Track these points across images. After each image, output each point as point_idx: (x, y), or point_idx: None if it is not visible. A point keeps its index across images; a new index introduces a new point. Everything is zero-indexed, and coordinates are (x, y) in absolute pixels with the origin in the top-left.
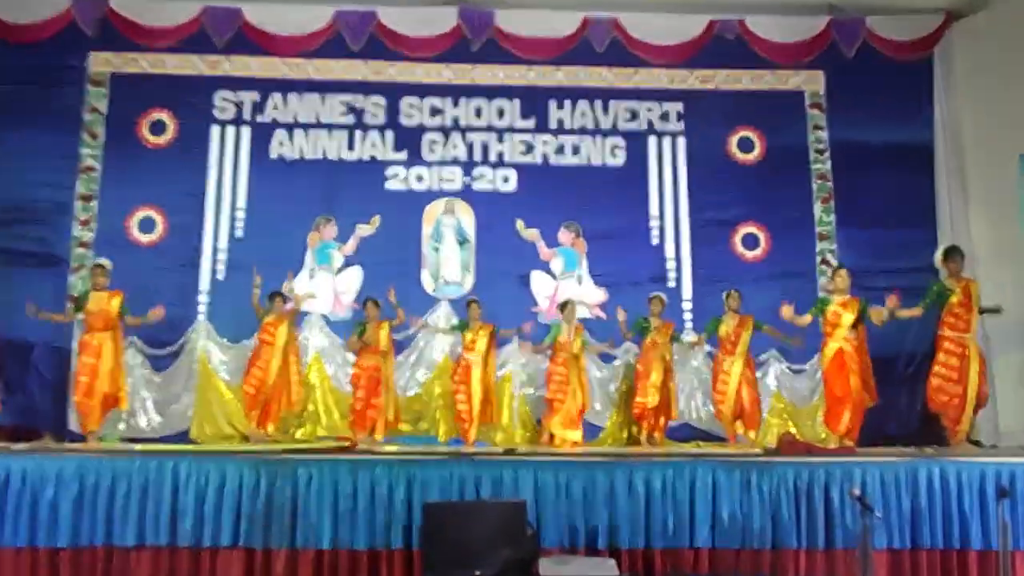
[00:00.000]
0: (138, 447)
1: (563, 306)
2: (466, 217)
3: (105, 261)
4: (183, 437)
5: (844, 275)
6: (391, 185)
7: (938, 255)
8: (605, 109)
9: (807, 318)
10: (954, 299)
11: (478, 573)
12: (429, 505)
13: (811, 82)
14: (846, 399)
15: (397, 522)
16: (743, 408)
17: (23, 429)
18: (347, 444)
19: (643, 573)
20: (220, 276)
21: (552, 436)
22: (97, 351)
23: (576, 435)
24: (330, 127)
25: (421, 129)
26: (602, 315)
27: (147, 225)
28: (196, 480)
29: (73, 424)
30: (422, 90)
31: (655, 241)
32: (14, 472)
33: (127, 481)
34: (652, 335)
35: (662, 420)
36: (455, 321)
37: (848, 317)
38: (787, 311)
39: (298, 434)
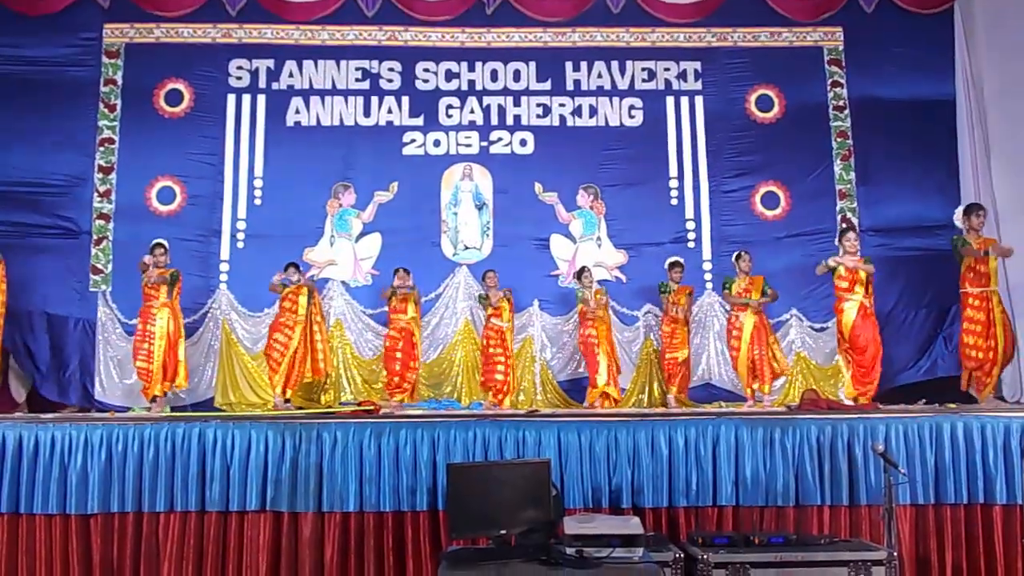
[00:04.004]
0: (164, 413)
1: (579, 273)
2: (484, 181)
3: (163, 241)
4: (208, 405)
5: (852, 238)
6: (408, 150)
7: (959, 212)
8: (622, 69)
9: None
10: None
11: (503, 533)
12: (453, 466)
13: (830, 38)
14: (877, 355)
15: (422, 484)
16: (758, 367)
17: (49, 400)
18: (371, 408)
19: (667, 531)
20: (240, 245)
21: (604, 395)
22: (155, 319)
23: (614, 391)
24: (346, 93)
25: (437, 93)
26: (622, 277)
27: (166, 195)
28: (223, 446)
29: (100, 395)
30: (437, 54)
31: (674, 202)
32: (43, 441)
33: (155, 448)
34: (670, 298)
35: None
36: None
37: (863, 275)
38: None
39: (321, 400)
